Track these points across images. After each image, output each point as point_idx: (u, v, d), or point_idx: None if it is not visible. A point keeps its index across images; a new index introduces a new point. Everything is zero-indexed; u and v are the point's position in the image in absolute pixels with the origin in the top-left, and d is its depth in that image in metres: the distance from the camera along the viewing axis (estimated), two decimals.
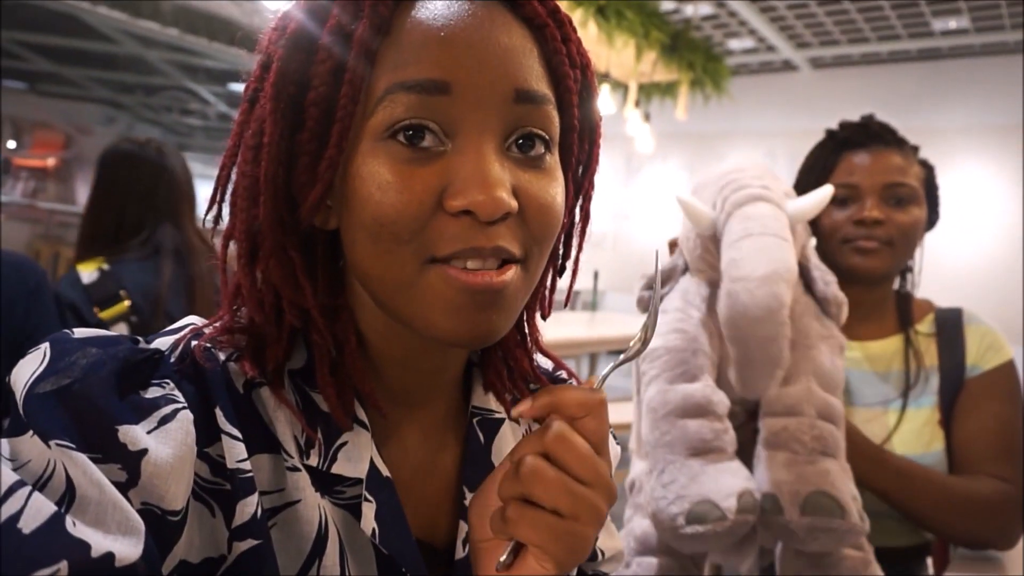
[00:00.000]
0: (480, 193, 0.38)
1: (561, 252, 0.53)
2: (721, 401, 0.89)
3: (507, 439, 0.53)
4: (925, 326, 1.15)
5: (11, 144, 8.99)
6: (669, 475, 0.85)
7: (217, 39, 7.36)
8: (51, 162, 8.92)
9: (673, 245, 1.11)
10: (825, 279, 0.99)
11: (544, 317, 0.54)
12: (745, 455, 0.91)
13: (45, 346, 0.38)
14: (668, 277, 1.04)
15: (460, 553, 0.48)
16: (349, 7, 0.41)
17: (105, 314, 1.43)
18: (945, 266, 6.27)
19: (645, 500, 0.88)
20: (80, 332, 0.40)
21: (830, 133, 1.18)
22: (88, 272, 1.44)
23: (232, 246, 0.45)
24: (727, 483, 0.83)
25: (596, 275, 6.49)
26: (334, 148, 0.40)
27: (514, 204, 0.40)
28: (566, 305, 0.57)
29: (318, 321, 0.43)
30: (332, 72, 0.40)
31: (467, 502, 0.48)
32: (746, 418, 0.97)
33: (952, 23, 5.87)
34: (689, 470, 0.84)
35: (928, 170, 1.16)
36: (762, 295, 0.79)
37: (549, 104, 0.43)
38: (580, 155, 0.49)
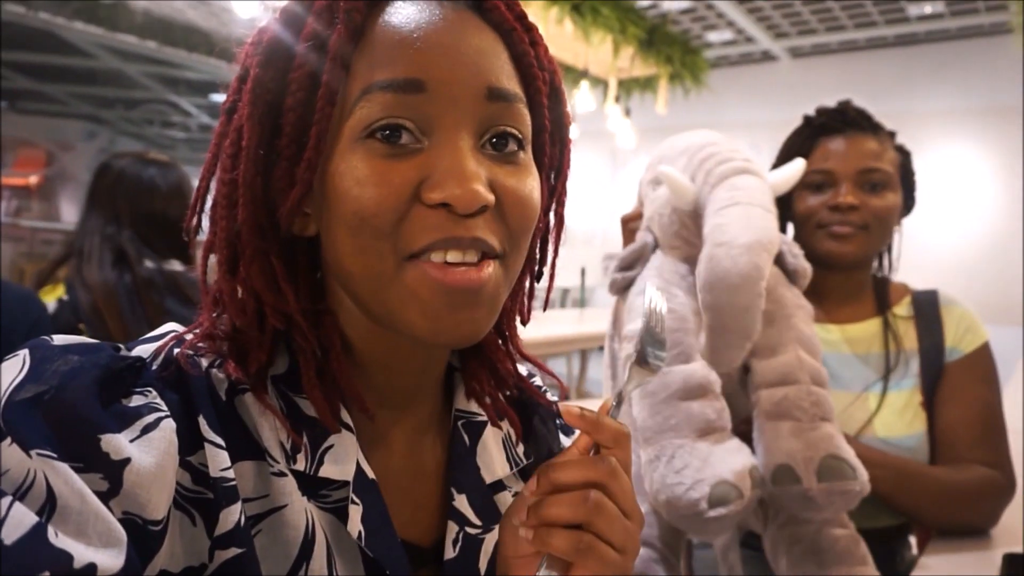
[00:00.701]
0: (457, 186, 0.39)
1: (538, 257, 0.53)
2: (716, 380, 0.89)
3: (489, 441, 0.53)
4: (903, 309, 1.15)
5: None
6: (681, 460, 0.84)
7: (196, 50, 7.33)
8: (34, 180, 8.86)
9: (626, 222, 1.10)
10: (792, 251, 1.00)
11: (523, 323, 0.55)
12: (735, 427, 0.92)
13: (24, 353, 0.37)
14: (639, 256, 1.02)
15: (450, 553, 0.48)
16: (323, 15, 0.42)
17: None
18: (926, 249, 6.31)
19: (652, 488, 0.85)
20: (60, 339, 0.39)
21: (807, 119, 1.19)
22: (49, 303, 1.37)
23: (212, 256, 0.45)
24: (736, 462, 0.82)
25: (583, 272, 6.50)
26: (312, 150, 0.41)
27: (491, 197, 0.41)
28: (544, 309, 0.58)
29: (302, 325, 0.44)
30: (308, 77, 0.42)
31: (455, 503, 0.49)
32: (736, 389, 0.96)
33: (927, 8, 5.91)
34: (699, 452, 0.83)
35: (904, 155, 1.17)
36: (744, 262, 0.79)
37: (520, 102, 0.44)
38: (552, 157, 0.50)
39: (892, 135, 1.16)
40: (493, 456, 0.53)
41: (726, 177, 0.87)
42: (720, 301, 0.81)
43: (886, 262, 1.21)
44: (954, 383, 1.08)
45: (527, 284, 0.54)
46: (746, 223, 0.82)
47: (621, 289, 1.02)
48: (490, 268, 0.42)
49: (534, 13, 3.60)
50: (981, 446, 1.03)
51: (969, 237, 6.33)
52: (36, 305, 1.25)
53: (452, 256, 0.41)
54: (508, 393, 0.56)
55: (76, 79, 8.32)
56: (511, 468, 0.54)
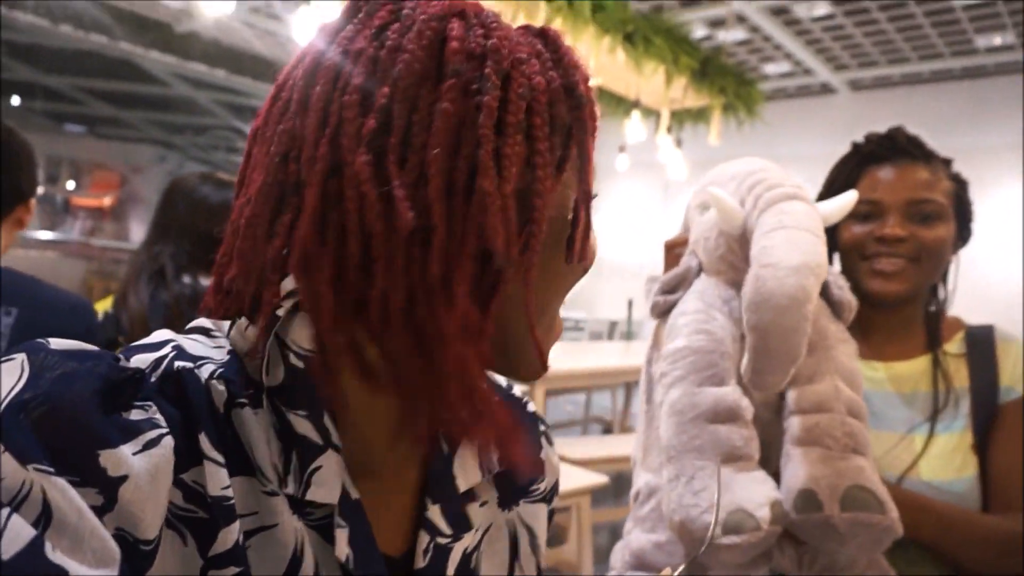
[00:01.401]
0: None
1: None
2: (748, 407, 0.87)
3: (467, 454, 0.54)
4: (954, 346, 1.09)
5: (70, 185, 9.45)
6: (700, 482, 0.82)
7: (262, 79, 7.66)
8: (107, 201, 9.32)
9: (670, 248, 1.09)
10: (838, 283, 0.97)
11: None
12: (770, 459, 0.89)
13: (21, 358, 0.36)
14: (682, 279, 1.01)
15: (420, 563, 0.48)
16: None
17: None
18: (991, 287, 6.03)
19: (669, 508, 0.84)
20: (57, 344, 0.38)
21: (855, 146, 1.14)
22: (100, 313, 1.41)
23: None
24: (759, 492, 0.80)
25: (631, 304, 6.42)
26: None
27: None
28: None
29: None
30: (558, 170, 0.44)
31: (428, 514, 0.49)
32: (772, 418, 0.94)
33: (997, 39, 5.72)
34: (722, 477, 0.81)
35: (960, 184, 1.11)
36: (790, 284, 0.77)
37: None
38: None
39: (947, 163, 1.10)
40: (468, 464, 0.53)
41: (775, 202, 0.86)
42: (765, 321, 0.79)
43: (940, 295, 1.14)
44: (1009, 425, 1.01)
45: None
46: (793, 246, 0.80)
47: (663, 312, 1.00)
48: None
49: (586, 41, 3.63)
50: None
51: None
52: (88, 313, 1.28)
53: None
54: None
55: (150, 106, 8.78)
56: (482, 475, 0.54)
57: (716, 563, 0.83)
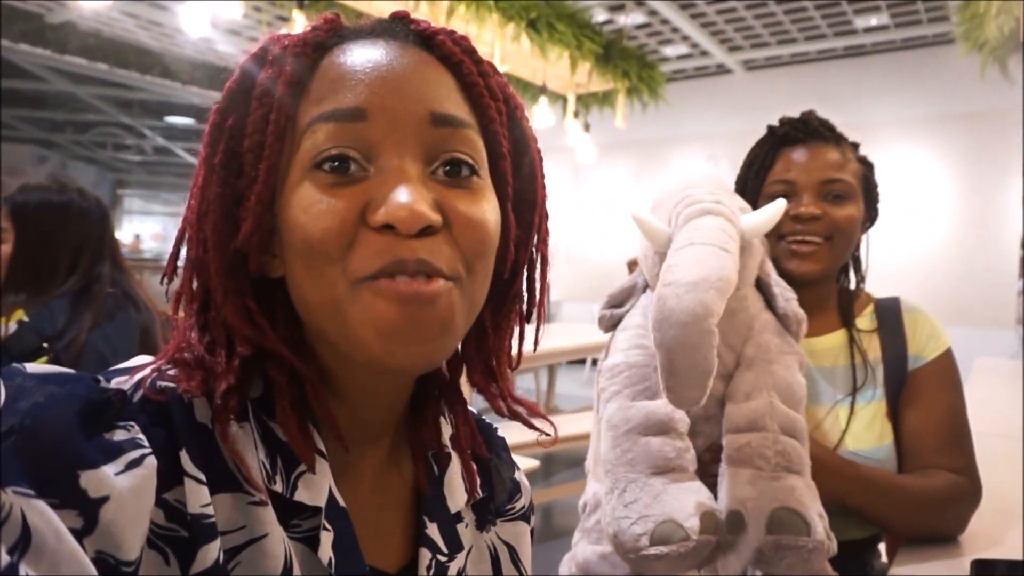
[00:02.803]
0: (400, 208, 0.40)
1: (526, 296, 0.53)
2: (682, 419, 0.88)
3: (456, 470, 0.55)
4: (865, 320, 1.16)
5: None
6: (631, 494, 0.83)
7: (149, 72, 7.21)
8: None
9: (633, 264, 1.12)
10: (785, 295, 0.98)
11: (513, 367, 0.54)
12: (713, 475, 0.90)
13: None
14: (628, 295, 1.03)
15: None
16: (276, 61, 0.44)
17: None
18: (881, 257, 6.47)
19: (605, 520, 0.85)
20: (34, 368, 0.38)
21: (770, 129, 1.18)
22: (8, 325, 1.39)
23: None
24: (689, 502, 0.81)
25: (548, 287, 6.49)
26: (261, 184, 0.42)
27: (436, 217, 0.41)
28: (535, 348, 0.56)
29: (284, 356, 0.44)
30: (263, 118, 0.43)
31: (428, 531, 0.51)
32: (716, 437, 0.95)
33: (873, 20, 6.11)
34: (652, 489, 0.82)
35: (867, 167, 1.17)
36: (689, 300, 0.77)
37: (469, 128, 0.45)
38: (517, 188, 0.50)
39: (855, 146, 1.17)
40: (455, 487, 0.54)
41: (690, 219, 0.87)
42: (668, 339, 0.79)
43: (852, 275, 1.21)
44: (917, 390, 1.08)
45: (516, 326, 0.53)
46: (695, 262, 0.81)
47: (610, 326, 1.02)
48: (440, 284, 0.42)
49: (490, 30, 3.61)
50: (946, 452, 1.03)
51: (930, 244, 6.51)
52: None
53: (400, 279, 0.41)
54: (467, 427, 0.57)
55: (25, 103, 8.11)
56: (466, 501, 0.55)
57: (648, 573, 0.83)
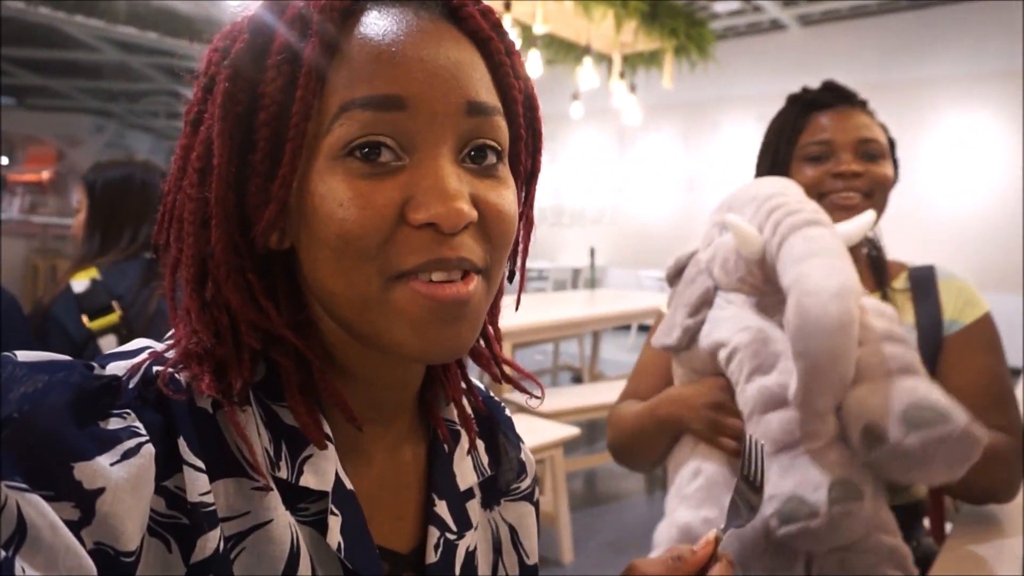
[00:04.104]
0: (442, 205, 0.39)
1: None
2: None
3: (464, 448, 0.55)
4: (900, 283, 1.15)
5: (4, 160, 8.99)
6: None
7: (199, 39, 7.30)
8: (46, 175, 8.92)
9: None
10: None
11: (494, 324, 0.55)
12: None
13: None
14: (704, 301, 1.03)
15: (432, 558, 0.49)
16: (295, 24, 0.41)
17: (94, 324, 1.43)
18: (941, 215, 6.20)
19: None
20: (25, 356, 0.37)
21: (793, 97, 1.20)
22: (80, 282, 1.47)
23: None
24: (815, 475, 0.81)
25: (592, 252, 6.45)
26: (287, 167, 0.40)
27: (474, 214, 0.41)
28: (516, 308, 0.56)
29: (286, 340, 0.43)
30: (282, 90, 0.41)
31: (436, 508, 0.50)
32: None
33: None
34: (778, 465, 0.83)
35: (885, 129, 1.19)
36: (835, 309, 0.79)
37: (498, 115, 0.44)
38: (527, 166, 0.50)
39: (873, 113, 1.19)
40: (465, 464, 0.54)
41: (797, 228, 0.88)
42: (814, 348, 0.80)
43: (874, 238, 1.20)
44: (955, 355, 1.07)
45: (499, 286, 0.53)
46: (829, 271, 0.82)
47: (692, 336, 1.01)
48: (474, 282, 0.42)
49: None
50: (990, 412, 1.00)
51: (991, 203, 6.21)
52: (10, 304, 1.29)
53: (437, 276, 0.41)
54: (474, 404, 0.58)
55: (81, 73, 8.33)
56: (477, 477, 0.55)
57: (793, 545, 0.83)
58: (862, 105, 1.15)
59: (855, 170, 1.08)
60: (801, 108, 1.16)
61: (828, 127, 1.12)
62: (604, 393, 3.23)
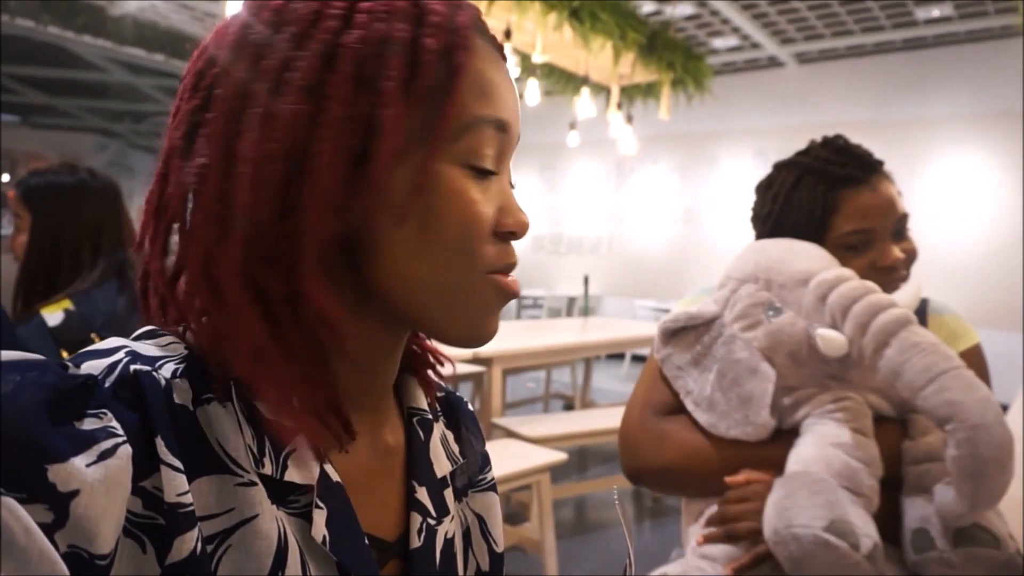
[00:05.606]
0: (522, 217, 0.48)
1: None
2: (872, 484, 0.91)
3: (437, 438, 0.57)
4: None
5: (5, 177, 9.03)
6: (821, 495, 0.86)
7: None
8: None
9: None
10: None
11: None
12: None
13: None
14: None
15: (415, 543, 0.50)
16: (439, 29, 0.44)
17: None
18: (939, 254, 6.23)
19: (771, 510, 0.87)
20: None
21: (811, 169, 1.08)
22: (54, 315, 1.35)
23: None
24: (868, 525, 0.85)
25: (587, 280, 6.45)
26: (422, 175, 0.43)
27: None
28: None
29: (339, 334, 0.44)
30: (404, 93, 0.43)
31: (417, 495, 0.52)
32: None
33: (935, 11, 5.86)
34: (837, 495, 0.85)
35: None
36: (1001, 436, 0.79)
37: None
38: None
39: None
40: (440, 452, 0.56)
41: (894, 333, 0.87)
42: (991, 477, 0.81)
43: None
44: None
45: None
46: (974, 394, 0.81)
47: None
48: None
49: (532, 19, 3.58)
50: None
51: (989, 241, 6.25)
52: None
53: (511, 277, 0.49)
54: (440, 395, 0.61)
55: (86, 93, 8.42)
56: (451, 465, 0.57)
57: (805, 568, 0.84)
58: (884, 169, 1.07)
59: (901, 258, 1.03)
60: (827, 185, 1.06)
61: (867, 213, 1.03)
62: (596, 420, 3.21)
